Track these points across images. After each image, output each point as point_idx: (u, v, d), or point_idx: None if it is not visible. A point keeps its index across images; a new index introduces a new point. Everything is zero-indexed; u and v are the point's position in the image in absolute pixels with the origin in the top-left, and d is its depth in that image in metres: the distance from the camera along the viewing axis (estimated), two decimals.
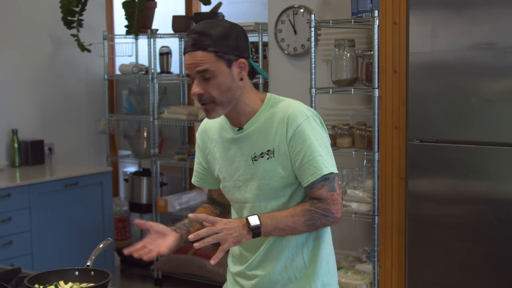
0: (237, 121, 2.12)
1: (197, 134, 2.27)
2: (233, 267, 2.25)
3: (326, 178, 2.03)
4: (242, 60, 2.04)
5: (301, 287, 2.14)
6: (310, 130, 2.04)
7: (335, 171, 2.06)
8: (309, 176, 2.03)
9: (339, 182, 3.70)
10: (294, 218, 2.02)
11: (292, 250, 2.12)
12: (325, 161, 2.03)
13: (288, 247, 2.12)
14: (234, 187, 2.15)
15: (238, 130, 2.12)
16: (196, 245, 1.89)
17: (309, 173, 2.03)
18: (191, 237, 1.90)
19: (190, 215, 2.01)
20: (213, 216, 2.07)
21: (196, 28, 2.02)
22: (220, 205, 2.31)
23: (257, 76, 4.53)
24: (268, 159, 2.07)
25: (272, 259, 2.13)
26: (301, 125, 2.03)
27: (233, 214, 2.26)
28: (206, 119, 2.23)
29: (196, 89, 2.03)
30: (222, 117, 2.16)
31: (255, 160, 2.09)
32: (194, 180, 2.32)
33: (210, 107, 2.04)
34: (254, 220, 1.98)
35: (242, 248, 2.19)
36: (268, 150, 2.07)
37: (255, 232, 1.97)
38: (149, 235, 2.06)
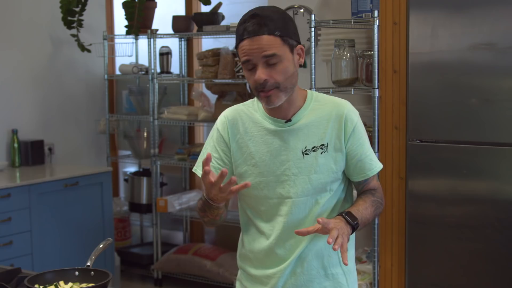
0: (285, 113, 2.06)
1: (221, 127, 2.12)
2: (255, 270, 2.16)
3: (376, 171, 2.15)
4: (300, 46, 2.02)
5: (337, 283, 2.14)
6: (363, 127, 2.13)
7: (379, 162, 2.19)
8: (368, 170, 2.11)
9: None
10: (369, 210, 2.08)
11: (328, 247, 2.08)
12: (374, 156, 2.15)
13: (325, 244, 2.07)
14: (276, 181, 2.06)
15: (285, 122, 2.06)
16: (335, 247, 1.87)
17: (368, 168, 2.11)
18: (329, 240, 1.87)
19: (319, 219, 1.93)
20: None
21: (255, 11, 1.98)
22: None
23: None
24: (321, 153, 2.05)
25: (309, 258, 2.10)
26: (358, 121, 2.10)
27: (244, 213, 2.16)
28: (229, 110, 2.14)
29: (262, 75, 1.94)
30: (249, 109, 2.11)
31: (306, 154, 2.05)
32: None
33: (274, 93, 1.97)
34: (350, 217, 2.00)
35: (272, 250, 2.11)
36: (322, 145, 2.05)
37: (356, 226, 2.00)
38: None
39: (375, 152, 3.50)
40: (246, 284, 2.20)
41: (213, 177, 1.87)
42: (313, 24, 3.70)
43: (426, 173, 3.33)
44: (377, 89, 3.50)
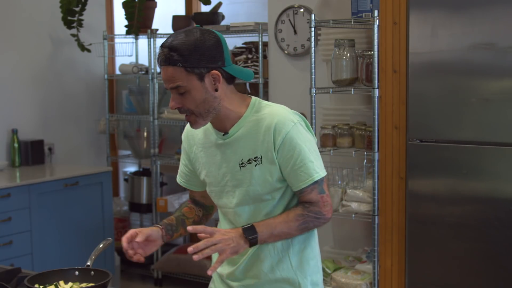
0: (221, 126, 2.12)
1: (183, 137, 2.27)
2: (221, 268, 2.24)
3: (316, 182, 2.07)
4: (214, 72, 2.01)
5: (289, 284, 2.15)
6: (299, 136, 2.06)
7: (324, 173, 2.10)
8: (300, 182, 2.06)
9: (339, 182, 3.73)
10: (288, 224, 2.05)
11: (278, 252, 2.14)
12: (316, 166, 2.07)
13: (274, 249, 2.13)
14: (221, 192, 2.15)
15: (223, 134, 2.11)
16: (195, 257, 1.91)
17: (300, 179, 2.06)
18: (190, 249, 1.92)
19: (189, 227, 2.02)
20: (198, 218, 2.18)
21: (166, 42, 2.01)
22: (202, 206, 2.31)
23: (256, 76, 4.55)
24: (256, 165, 2.07)
25: (259, 261, 2.15)
26: (289, 132, 2.05)
27: (220, 217, 2.26)
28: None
29: (172, 103, 2.04)
30: None
31: (243, 166, 2.09)
32: (179, 180, 2.30)
33: (191, 119, 2.06)
34: (250, 230, 2.00)
35: None
36: (256, 157, 2.07)
37: (252, 241, 2.00)
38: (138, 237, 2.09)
39: (374, 152, 3.53)
40: (215, 276, 2.31)
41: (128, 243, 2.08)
42: (313, 24, 3.70)
43: (426, 173, 3.32)
44: (377, 89, 3.50)
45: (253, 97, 2.15)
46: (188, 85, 1.99)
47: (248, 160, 2.08)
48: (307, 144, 2.07)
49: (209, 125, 2.15)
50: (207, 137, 2.16)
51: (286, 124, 2.05)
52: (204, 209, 2.31)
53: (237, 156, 2.10)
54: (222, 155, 2.12)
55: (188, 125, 2.23)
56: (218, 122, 2.10)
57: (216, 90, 2.03)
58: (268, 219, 2.07)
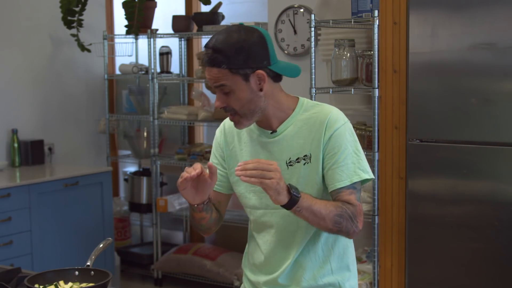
0: (267, 124, 2.08)
1: (219, 134, 2.20)
2: (254, 276, 2.20)
3: (355, 187, 2.01)
4: (259, 72, 1.98)
5: None
6: (346, 136, 2.03)
7: (371, 176, 2.04)
8: (339, 181, 2.00)
9: None
10: (327, 208, 1.94)
11: (320, 258, 2.10)
12: (357, 168, 2.01)
13: (316, 256, 2.09)
14: (263, 191, 1.98)
15: (271, 133, 2.07)
16: (242, 177, 1.83)
17: (339, 178, 2.00)
18: (238, 168, 1.83)
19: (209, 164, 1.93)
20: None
21: (210, 42, 1.98)
22: (218, 211, 2.21)
23: None
24: (304, 164, 2.03)
25: (301, 269, 2.10)
26: (339, 129, 2.02)
27: (253, 225, 2.18)
28: (227, 119, 2.17)
29: (217, 102, 2.01)
30: None
31: (290, 165, 2.05)
32: None
33: (235, 119, 2.03)
34: (296, 189, 1.90)
35: (269, 256, 2.14)
36: (305, 156, 2.03)
37: (293, 199, 1.87)
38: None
39: (374, 152, 3.53)
40: (247, 286, 2.25)
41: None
42: (313, 24, 3.70)
43: (426, 173, 3.33)
44: (377, 89, 3.50)
45: (301, 97, 2.12)
46: (233, 86, 1.97)
47: (296, 159, 2.04)
48: (352, 144, 2.03)
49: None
50: (251, 135, 2.12)
51: (338, 121, 2.03)
52: (219, 214, 2.21)
53: (284, 155, 2.05)
54: (268, 154, 2.07)
55: (221, 124, 2.20)
56: (264, 120, 2.07)
57: (261, 90, 2.00)
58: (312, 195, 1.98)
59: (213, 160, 2.20)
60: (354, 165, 2.01)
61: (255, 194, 2.10)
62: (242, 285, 2.29)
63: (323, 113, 2.05)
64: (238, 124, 2.04)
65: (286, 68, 2.06)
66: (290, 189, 1.88)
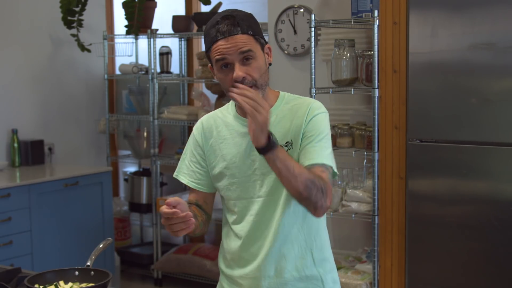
0: None
1: (196, 132, 2.21)
2: (231, 271, 2.21)
3: (327, 168, 2.02)
4: (268, 45, 2.08)
5: (313, 285, 2.13)
6: (325, 122, 2.07)
7: (335, 169, 2.06)
8: (313, 159, 2.00)
9: (339, 182, 3.72)
10: (302, 170, 1.94)
11: (302, 248, 2.10)
12: (330, 155, 2.04)
13: (299, 245, 2.09)
14: (246, 182, 2.08)
15: None
16: (235, 92, 1.86)
17: (313, 157, 2.00)
18: (238, 86, 1.88)
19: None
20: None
21: (226, 13, 2.02)
22: (205, 212, 2.21)
23: None
24: (287, 151, 2.04)
25: (284, 259, 2.10)
26: (320, 114, 2.06)
27: (224, 216, 2.20)
28: (205, 117, 2.22)
29: (239, 72, 1.97)
30: (224, 113, 2.17)
31: None
32: (187, 181, 2.18)
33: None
34: (275, 138, 1.91)
35: (244, 250, 2.14)
36: (287, 142, 2.06)
37: (271, 143, 1.88)
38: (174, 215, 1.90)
39: (374, 152, 3.53)
40: (224, 285, 2.29)
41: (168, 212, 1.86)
42: (313, 24, 3.70)
43: (426, 173, 3.33)
44: (377, 89, 3.50)
45: (281, 91, 2.16)
46: (257, 52, 2.01)
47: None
48: (328, 135, 2.07)
49: (231, 117, 2.14)
50: (231, 128, 2.13)
51: (320, 108, 2.08)
52: (206, 215, 2.21)
53: None
54: (249, 143, 2.06)
55: (202, 121, 2.21)
56: None
57: (270, 64, 2.07)
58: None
59: (191, 158, 2.19)
60: (328, 151, 2.04)
61: (239, 185, 2.11)
62: (219, 283, 2.27)
63: (305, 103, 2.09)
64: None
65: None
66: (271, 134, 1.89)
